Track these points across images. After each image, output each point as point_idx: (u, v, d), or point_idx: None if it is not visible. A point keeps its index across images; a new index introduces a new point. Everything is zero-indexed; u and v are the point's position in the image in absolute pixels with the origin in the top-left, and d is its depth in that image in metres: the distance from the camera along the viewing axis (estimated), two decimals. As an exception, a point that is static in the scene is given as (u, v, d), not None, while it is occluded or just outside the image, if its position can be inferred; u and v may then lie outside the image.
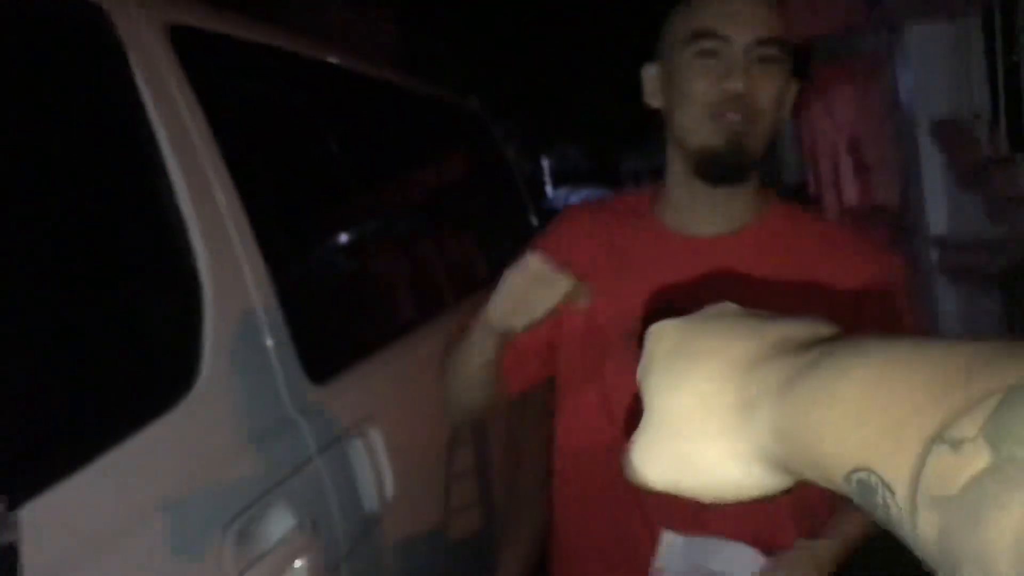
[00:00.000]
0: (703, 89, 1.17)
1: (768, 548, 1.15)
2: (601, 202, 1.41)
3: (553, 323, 1.23)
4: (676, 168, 1.26)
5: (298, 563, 1.10)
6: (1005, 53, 3.19)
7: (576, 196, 16.83)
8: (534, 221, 3.26)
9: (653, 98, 1.28)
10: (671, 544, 1.17)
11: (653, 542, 1.17)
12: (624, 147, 21.70)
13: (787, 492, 0.46)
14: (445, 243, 2.41)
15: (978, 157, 3.27)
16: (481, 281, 2.43)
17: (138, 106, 1.07)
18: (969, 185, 3.29)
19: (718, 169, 1.20)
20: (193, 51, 1.21)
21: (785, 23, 1.20)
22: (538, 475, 1.97)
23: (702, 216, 1.25)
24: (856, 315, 1.16)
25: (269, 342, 1.18)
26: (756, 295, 1.11)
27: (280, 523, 1.09)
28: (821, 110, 6.28)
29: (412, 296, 1.96)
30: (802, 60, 1.36)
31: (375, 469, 1.33)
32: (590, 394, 1.27)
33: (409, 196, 2.19)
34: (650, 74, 1.26)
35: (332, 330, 1.45)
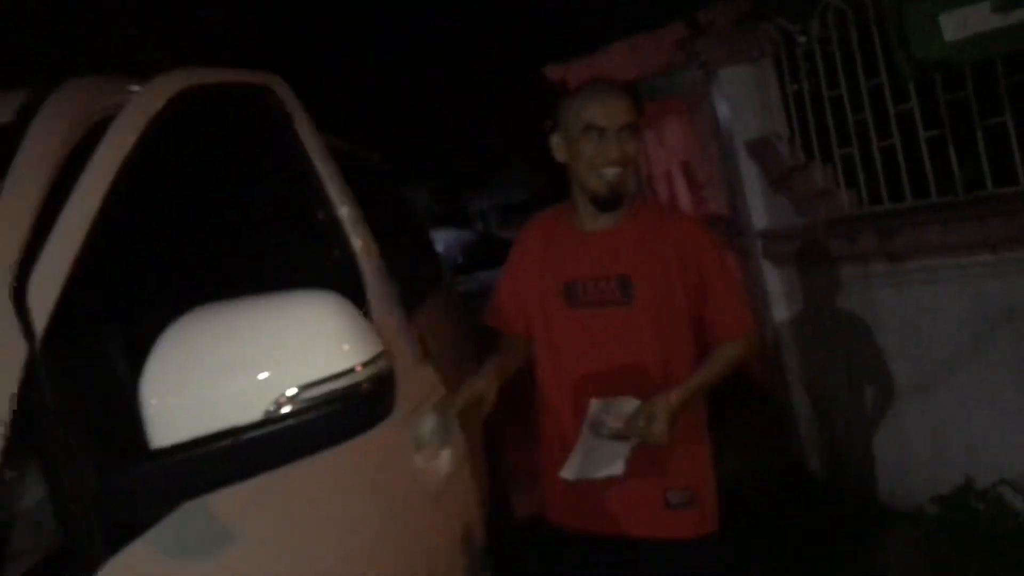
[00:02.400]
0: (592, 157, 2.04)
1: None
2: (546, 212, 2.29)
3: (522, 292, 2.19)
4: (577, 195, 2.14)
5: None
6: (791, 86, 4.18)
7: (435, 238, 17.61)
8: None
9: (559, 155, 2.13)
10: (594, 404, 1.96)
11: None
12: (470, 189, 22.67)
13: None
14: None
15: (782, 166, 4.23)
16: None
17: (304, 155, 1.75)
18: (778, 188, 4.24)
19: (602, 204, 2.08)
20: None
21: (637, 104, 2.09)
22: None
23: (596, 220, 2.13)
24: (685, 260, 2.07)
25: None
26: (621, 259, 2.08)
27: None
28: (653, 140, 7.30)
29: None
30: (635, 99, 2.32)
31: None
32: (545, 334, 2.11)
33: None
34: (556, 141, 2.12)
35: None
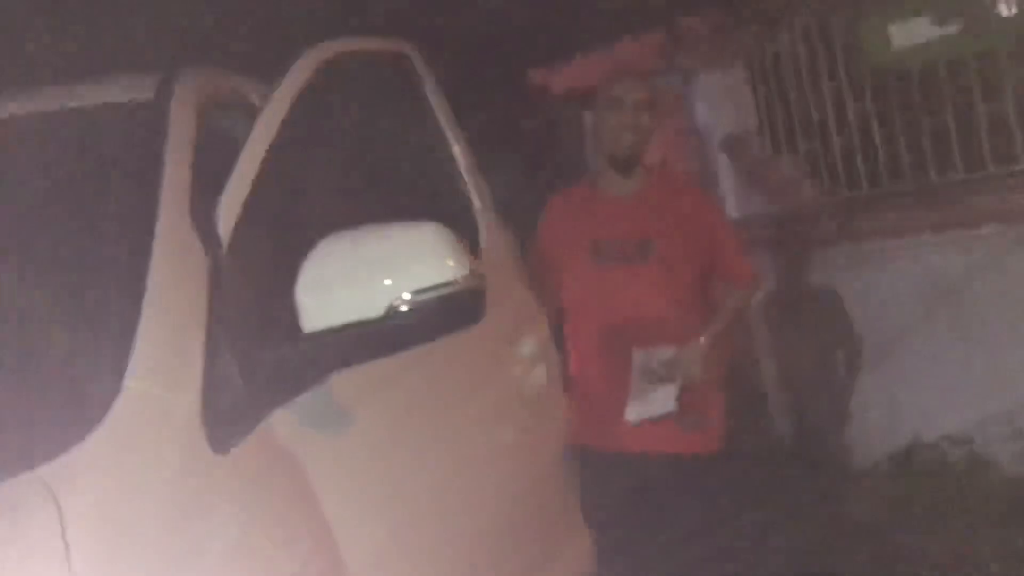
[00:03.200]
0: (613, 124, 2.56)
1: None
2: (567, 190, 2.83)
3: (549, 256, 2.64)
4: (600, 162, 2.64)
5: None
6: (761, 88, 4.65)
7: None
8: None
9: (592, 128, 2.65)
10: (637, 354, 2.41)
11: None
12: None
13: None
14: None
15: (753, 160, 4.71)
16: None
17: (432, 112, 2.11)
18: (750, 179, 4.71)
19: (620, 166, 2.59)
20: None
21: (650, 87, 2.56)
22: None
23: (615, 186, 2.60)
24: (695, 224, 2.49)
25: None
26: (641, 223, 2.54)
27: None
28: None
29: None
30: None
31: None
32: (574, 288, 2.55)
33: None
34: (590, 119, 2.69)
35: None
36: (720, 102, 4.85)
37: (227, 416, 1.35)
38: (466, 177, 2.21)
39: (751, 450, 4.80)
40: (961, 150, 3.82)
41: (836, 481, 4.31)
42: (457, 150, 2.21)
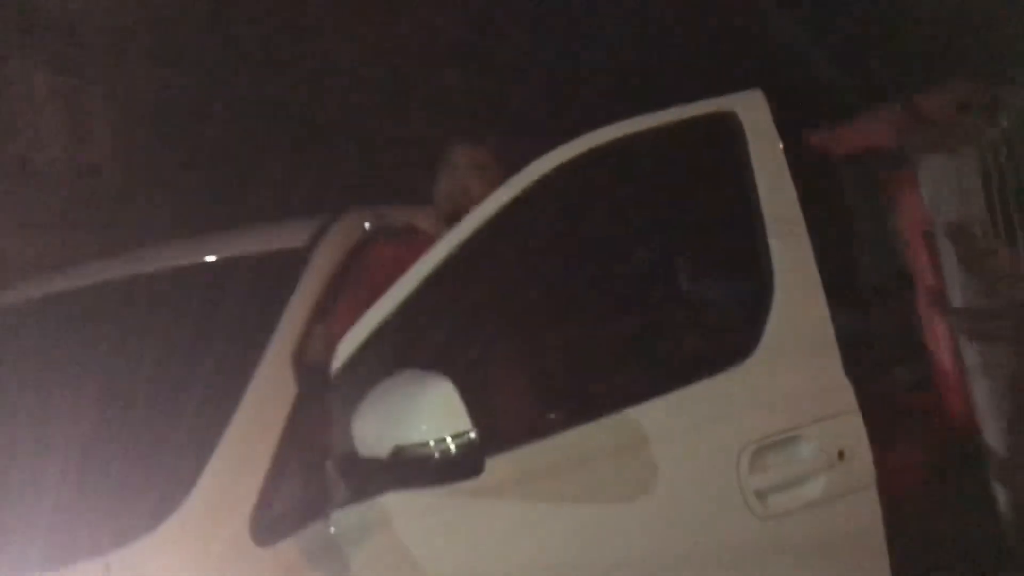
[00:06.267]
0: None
1: None
2: None
3: None
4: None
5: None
6: (986, 177, 4.48)
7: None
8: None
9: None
10: None
11: None
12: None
13: None
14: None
15: (976, 249, 4.53)
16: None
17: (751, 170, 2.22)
18: (972, 269, 4.54)
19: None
20: None
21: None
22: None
23: None
24: None
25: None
26: None
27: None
28: (903, 208, 7.44)
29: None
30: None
31: None
32: None
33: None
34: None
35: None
36: (946, 186, 4.71)
37: (277, 517, 1.79)
38: (771, 239, 2.16)
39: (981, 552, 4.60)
40: None
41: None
42: (770, 207, 2.17)
